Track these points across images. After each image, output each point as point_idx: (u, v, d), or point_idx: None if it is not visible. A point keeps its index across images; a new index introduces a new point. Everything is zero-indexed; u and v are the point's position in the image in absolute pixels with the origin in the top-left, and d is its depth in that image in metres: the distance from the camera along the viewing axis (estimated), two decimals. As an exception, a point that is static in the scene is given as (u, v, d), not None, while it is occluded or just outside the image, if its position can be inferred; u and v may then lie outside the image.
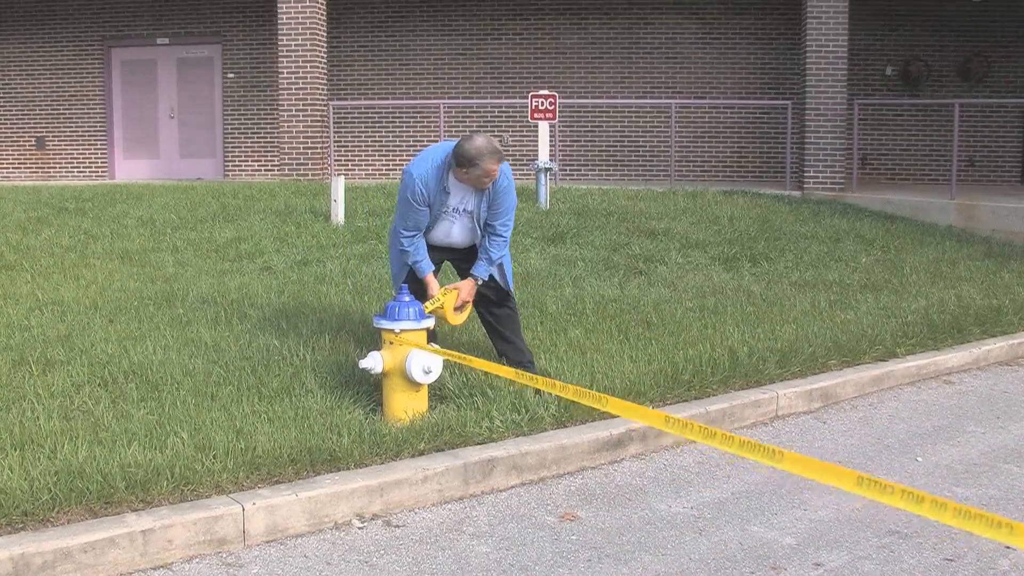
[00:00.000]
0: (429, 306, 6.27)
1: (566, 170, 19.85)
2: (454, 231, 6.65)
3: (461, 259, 6.87)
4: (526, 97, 15.80)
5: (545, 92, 15.21)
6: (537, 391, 6.14)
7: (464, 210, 6.55)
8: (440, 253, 6.82)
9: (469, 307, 6.68)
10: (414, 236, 6.52)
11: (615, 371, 6.84)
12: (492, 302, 6.82)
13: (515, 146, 20.17)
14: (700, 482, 5.78)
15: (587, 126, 20.22)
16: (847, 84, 17.32)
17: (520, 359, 6.73)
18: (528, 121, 15.89)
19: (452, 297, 6.47)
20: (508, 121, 20.24)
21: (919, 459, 6.25)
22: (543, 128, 15.20)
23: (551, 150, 17.50)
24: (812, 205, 15.31)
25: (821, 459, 6.15)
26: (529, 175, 18.34)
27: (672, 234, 12.27)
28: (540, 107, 15.02)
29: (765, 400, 7.04)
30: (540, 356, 7.12)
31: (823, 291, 9.97)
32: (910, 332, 8.57)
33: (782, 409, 7.12)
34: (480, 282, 6.61)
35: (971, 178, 19.75)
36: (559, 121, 17.69)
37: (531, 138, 19.05)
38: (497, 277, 6.76)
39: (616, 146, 20.20)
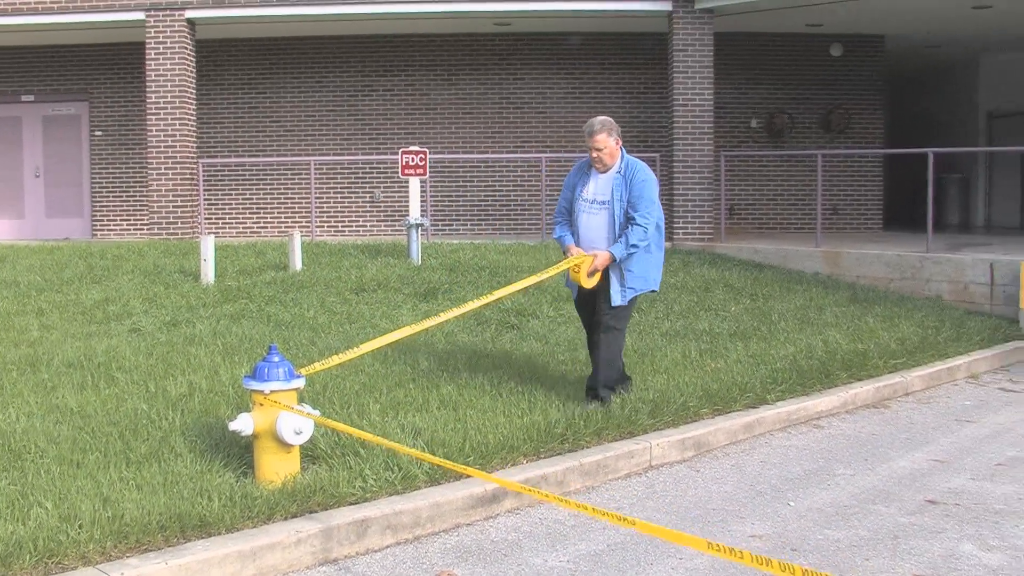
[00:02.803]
0: (566, 263, 7.54)
1: (438, 225, 19.86)
2: (593, 228, 7.62)
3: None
4: (397, 153, 15.82)
5: (416, 148, 15.22)
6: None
7: (601, 201, 7.62)
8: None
9: (598, 275, 7.52)
10: (560, 221, 7.95)
11: (488, 426, 6.84)
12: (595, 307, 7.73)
13: (386, 202, 20.18)
14: (576, 535, 5.79)
15: (458, 181, 20.29)
16: (714, 137, 17.72)
17: (592, 383, 7.61)
18: (399, 177, 15.89)
19: (588, 262, 7.46)
20: (379, 177, 20.23)
21: (791, 504, 6.35)
22: (414, 184, 15.21)
23: (422, 206, 17.56)
24: (682, 255, 15.56)
25: (695, 507, 6.26)
26: (400, 231, 18.35)
27: (544, 288, 12.33)
28: (411, 163, 15.00)
29: (639, 451, 7.10)
30: (411, 414, 7.09)
31: (693, 340, 10.12)
32: (779, 378, 8.74)
33: (655, 459, 7.19)
34: (615, 258, 7.43)
35: (835, 226, 20.29)
36: (430, 177, 17.75)
37: (403, 194, 19.09)
38: (613, 280, 7.53)
39: (487, 200, 20.31)
